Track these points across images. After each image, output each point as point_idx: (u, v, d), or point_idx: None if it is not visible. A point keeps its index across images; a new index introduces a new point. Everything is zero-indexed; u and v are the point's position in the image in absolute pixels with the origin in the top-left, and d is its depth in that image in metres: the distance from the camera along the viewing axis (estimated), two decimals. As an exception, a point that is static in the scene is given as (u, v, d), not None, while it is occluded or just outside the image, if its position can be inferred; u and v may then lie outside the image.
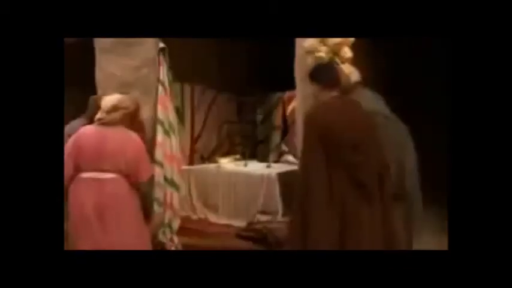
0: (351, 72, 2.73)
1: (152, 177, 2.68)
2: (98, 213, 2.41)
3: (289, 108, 5.65)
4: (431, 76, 4.20)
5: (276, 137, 5.84)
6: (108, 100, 2.60)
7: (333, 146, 2.22)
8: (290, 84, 4.86)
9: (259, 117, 6.01)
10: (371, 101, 2.59)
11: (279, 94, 5.76)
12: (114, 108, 2.55)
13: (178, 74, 4.53)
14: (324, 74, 2.44)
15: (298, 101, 3.50)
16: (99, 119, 2.56)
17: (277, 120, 5.85)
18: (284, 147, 5.68)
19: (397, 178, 2.50)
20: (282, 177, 4.35)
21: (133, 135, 2.57)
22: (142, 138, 4.02)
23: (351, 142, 2.26)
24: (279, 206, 4.21)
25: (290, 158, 5.45)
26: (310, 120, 2.34)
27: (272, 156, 5.55)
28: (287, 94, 5.61)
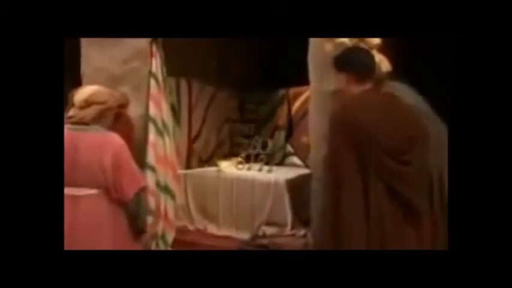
0: (380, 61, 2.26)
1: (143, 190, 2.10)
2: (72, 237, 1.92)
3: (295, 105, 5.34)
4: (430, 76, 3.90)
5: (280, 137, 5.45)
6: (80, 93, 2.09)
7: (369, 152, 1.82)
8: (295, 80, 4.61)
9: (262, 115, 5.65)
10: (408, 95, 2.16)
11: (283, 91, 5.42)
12: (87, 102, 2.04)
13: (174, 68, 4.15)
14: (358, 60, 2.00)
15: (312, 96, 3.05)
16: (70, 117, 2.04)
17: (282, 119, 5.49)
18: (289, 148, 5.32)
19: (437, 193, 2.08)
20: (291, 183, 3.87)
21: (113, 137, 2.04)
22: (131, 138, 3.72)
23: (392, 148, 1.84)
24: (288, 217, 3.71)
25: (296, 160, 5.14)
26: (339, 120, 1.90)
27: (276, 158, 5.10)
28: (292, 90, 5.30)
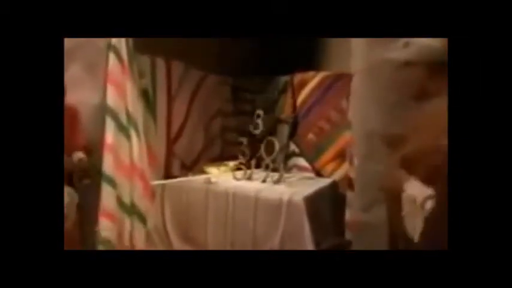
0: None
1: None
2: None
3: (301, 95, 4.87)
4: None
5: (283, 134, 4.92)
6: None
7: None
8: (300, 64, 4.45)
9: (261, 107, 4.91)
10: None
11: (286, 77, 4.93)
12: None
13: (148, 43, 3.31)
14: None
15: (359, 76, 2.37)
16: None
17: (285, 111, 5.00)
18: (294, 147, 4.80)
19: None
20: (312, 202, 2.89)
21: None
22: (76, 138, 2.73)
23: None
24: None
25: (301, 161, 4.70)
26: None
27: (277, 160, 4.44)
28: (297, 77, 4.83)
